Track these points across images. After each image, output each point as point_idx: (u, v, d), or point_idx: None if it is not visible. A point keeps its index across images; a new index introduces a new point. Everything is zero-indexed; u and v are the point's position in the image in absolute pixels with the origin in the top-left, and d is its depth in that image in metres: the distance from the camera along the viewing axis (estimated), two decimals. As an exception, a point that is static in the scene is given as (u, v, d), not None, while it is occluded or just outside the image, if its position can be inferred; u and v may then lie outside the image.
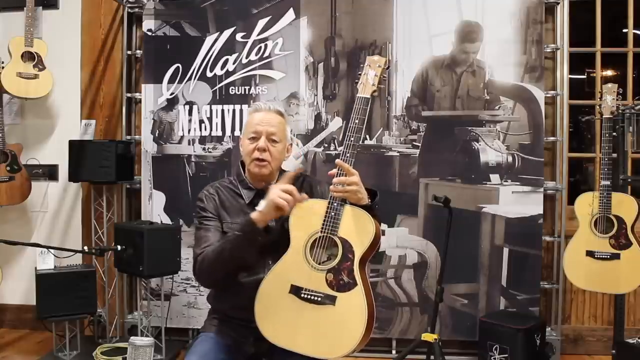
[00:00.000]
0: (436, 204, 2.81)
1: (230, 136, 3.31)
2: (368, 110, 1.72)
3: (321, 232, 1.66)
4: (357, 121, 1.70)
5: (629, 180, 2.76)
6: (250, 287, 1.75)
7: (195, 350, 1.83)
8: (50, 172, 3.59)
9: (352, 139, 1.68)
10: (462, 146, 3.15)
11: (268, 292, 1.69)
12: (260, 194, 1.84)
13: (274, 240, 1.80)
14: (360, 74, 1.76)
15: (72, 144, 3.24)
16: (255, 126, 1.83)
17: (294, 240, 1.70)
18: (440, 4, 3.18)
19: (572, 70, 3.29)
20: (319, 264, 1.66)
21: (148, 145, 3.39)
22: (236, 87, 3.32)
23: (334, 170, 1.67)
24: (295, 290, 1.65)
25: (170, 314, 3.28)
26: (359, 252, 1.63)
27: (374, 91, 1.73)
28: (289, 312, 1.65)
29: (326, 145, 3.24)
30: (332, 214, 1.65)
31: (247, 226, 1.68)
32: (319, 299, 1.62)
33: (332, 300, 1.62)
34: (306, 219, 1.69)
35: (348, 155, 1.67)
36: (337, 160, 1.67)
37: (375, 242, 1.65)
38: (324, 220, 1.66)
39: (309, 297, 1.63)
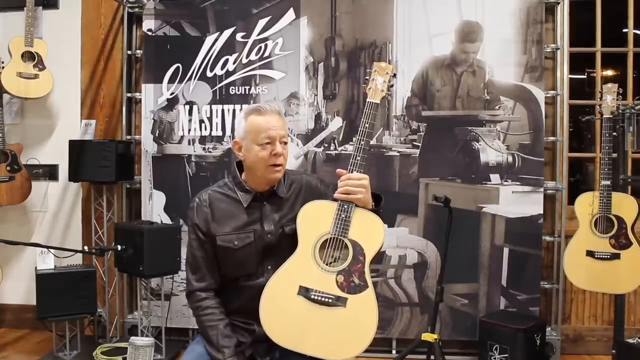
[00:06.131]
0: (436, 204, 2.82)
1: (230, 136, 3.30)
2: (377, 114, 1.75)
3: (331, 233, 1.66)
4: (367, 125, 1.72)
5: (629, 180, 2.76)
6: (250, 291, 1.74)
7: (190, 349, 1.82)
8: (50, 172, 3.59)
9: (363, 142, 1.70)
10: (462, 146, 3.15)
11: (275, 292, 1.68)
12: (258, 197, 1.82)
13: (273, 245, 1.79)
14: (366, 79, 1.79)
15: (72, 144, 3.24)
16: (267, 131, 1.74)
17: (302, 241, 1.69)
18: (440, 4, 3.18)
19: (572, 70, 3.29)
20: (328, 265, 1.66)
21: (148, 145, 3.38)
22: (236, 87, 3.32)
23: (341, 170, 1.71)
24: (304, 292, 1.64)
25: (171, 314, 3.28)
26: (370, 254, 1.64)
27: (383, 97, 1.76)
28: (297, 313, 1.64)
29: (326, 145, 3.24)
30: (343, 215, 1.65)
31: None
32: (330, 300, 1.62)
33: (343, 302, 1.62)
34: (315, 220, 1.69)
35: (359, 158, 1.69)
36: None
37: (382, 245, 1.67)
38: (334, 222, 1.66)
39: (319, 298, 1.63)
